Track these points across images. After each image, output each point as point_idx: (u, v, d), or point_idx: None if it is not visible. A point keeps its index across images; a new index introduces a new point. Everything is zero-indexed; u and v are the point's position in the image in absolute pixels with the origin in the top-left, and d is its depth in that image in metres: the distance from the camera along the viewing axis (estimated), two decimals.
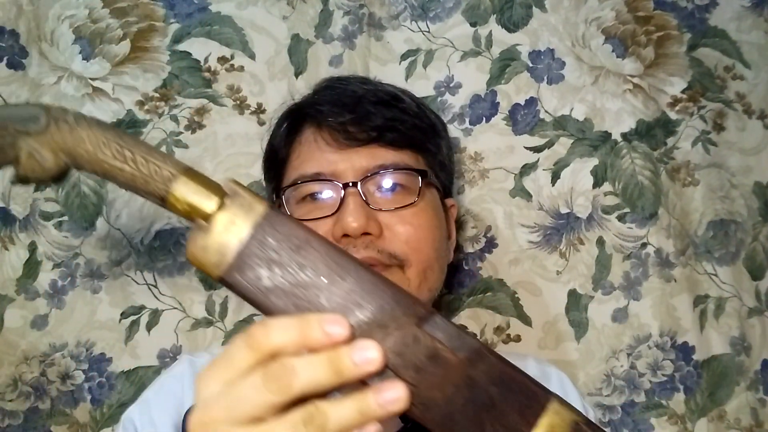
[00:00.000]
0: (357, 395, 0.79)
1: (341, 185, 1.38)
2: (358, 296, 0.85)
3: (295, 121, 1.53)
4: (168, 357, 1.74)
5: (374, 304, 0.85)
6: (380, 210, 1.39)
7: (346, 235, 1.33)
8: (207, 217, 0.86)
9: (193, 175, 0.89)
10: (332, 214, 1.37)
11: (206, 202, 0.87)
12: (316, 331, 0.79)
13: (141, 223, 1.77)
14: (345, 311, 0.84)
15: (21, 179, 0.90)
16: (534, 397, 0.86)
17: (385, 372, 0.82)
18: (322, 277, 0.85)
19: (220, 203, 0.86)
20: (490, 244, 1.85)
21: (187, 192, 0.87)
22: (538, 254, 1.85)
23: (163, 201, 0.89)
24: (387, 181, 1.41)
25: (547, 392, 0.87)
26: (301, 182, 1.43)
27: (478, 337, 1.80)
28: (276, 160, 1.55)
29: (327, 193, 1.40)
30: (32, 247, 1.74)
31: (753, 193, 1.96)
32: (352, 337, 0.80)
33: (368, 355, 0.79)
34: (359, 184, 1.38)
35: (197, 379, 0.83)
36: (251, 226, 0.85)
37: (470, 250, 1.86)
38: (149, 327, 1.74)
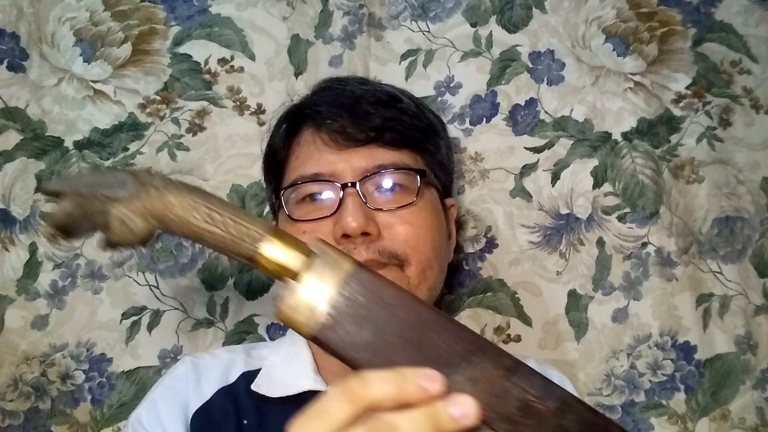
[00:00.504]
0: (427, 407, 0.80)
1: (340, 185, 1.38)
2: (447, 351, 0.86)
3: (294, 122, 1.54)
4: (169, 357, 1.75)
5: (464, 358, 0.86)
6: (379, 210, 1.39)
7: (345, 236, 1.33)
8: (295, 276, 0.87)
9: (281, 234, 0.91)
10: (331, 214, 1.37)
11: (295, 262, 0.88)
12: (413, 385, 0.79)
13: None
14: (436, 366, 0.84)
15: (111, 245, 0.93)
16: None
17: (481, 427, 0.82)
18: (411, 333, 0.87)
19: (308, 262, 0.88)
20: (491, 245, 1.85)
21: (276, 252, 0.89)
22: (539, 254, 1.85)
23: (252, 261, 0.90)
24: (386, 181, 1.41)
25: None
26: (301, 183, 1.43)
27: None
28: (275, 161, 1.55)
29: (326, 194, 1.41)
30: (33, 248, 1.74)
31: (761, 189, 1.95)
32: (447, 392, 0.80)
33: (465, 409, 0.80)
34: (358, 184, 1.38)
35: (289, 428, 0.83)
36: (340, 284, 0.86)
37: (470, 250, 1.85)
38: (150, 327, 1.75)
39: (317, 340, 0.86)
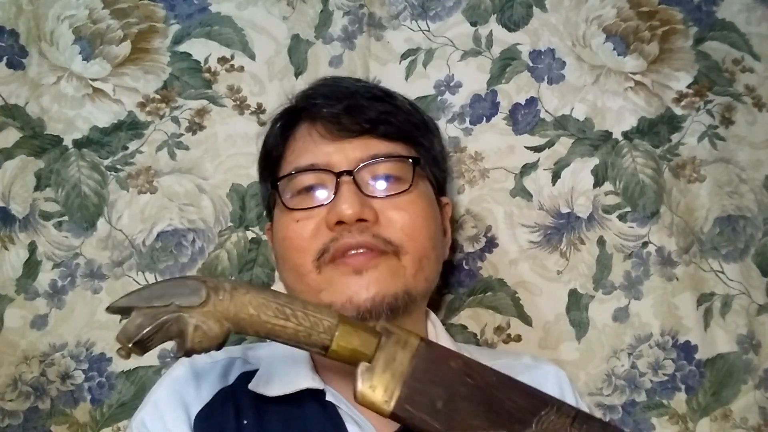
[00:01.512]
0: None
1: (335, 174, 1.38)
2: (516, 409, 0.92)
3: (290, 119, 1.54)
4: (169, 357, 1.74)
5: (532, 413, 0.91)
6: (375, 197, 1.39)
7: (340, 222, 1.34)
8: (370, 359, 0.92)
9: (349, 321, 0.96)
10: (327, 203, 1.38)
11: (367, 345, 0.93)
12: None
13: (143, 224, 1.78)
14: (508, 423, 0.90)
15: (187, 352, 0.94)
16: None
17: None
18: (481, 396, 0.92)
19: (378, 343, 0.92)
20: (491, 244, 1.85)
21: (349, 339, 0.93)
22: (539, 254, 1.85)
23: (326, 349, 0.94)
24: (381, 170, 1.42)
25: None
26: (296, 173, 1.43)
27: (478, 337, 1.81)
28: (271, 158, 1.55)
29: (322, 186, 1.41)
30: (32, 247, 1.74)
31: (764, 188, 1.95)
32: None
33: None
34: (353, 172, 1.38)
35: None
36: (409, 360, 0.92)
37: (470, 249, 1.85)
38: None
39: (396, 416, 0.91)
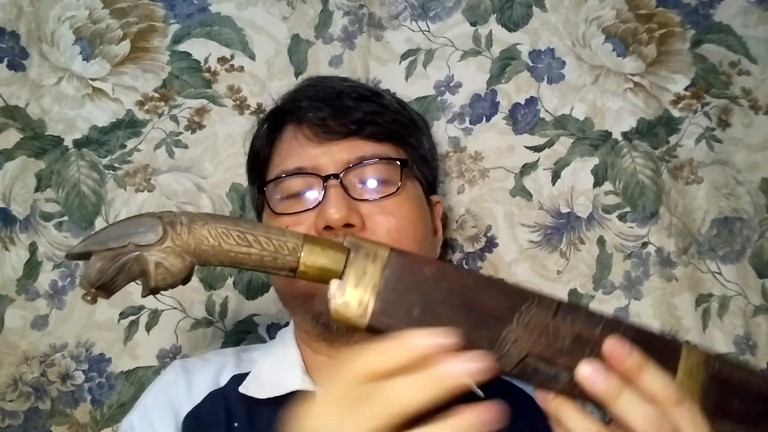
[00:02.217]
0: (431, 369, 0.83)
1: (322, 178, 1.38)
2: (495, 307, 0.91)
3: (276, 120, 1.54)
4: (168, 357, 1.74)
5: (512, 310, 0.90)
6: (362, 201, 1.38)
7: (328, 227, 1.33)
8: (339, 275, 0.90)
9: (315, 239, 0.93)
10: (314, 207, 1.37)
11: (336, 262, 0.91)
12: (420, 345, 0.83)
13: None
14: (490, 323, 0.89)
15: (153, 290, 0.93)
16: (668, 348, 0.93)
17: (543, 365, 0.90)
18: (458, 299, 0.90)
19: (347, 258, 0.91)
20: (491, 244, 1.85)
21: (315, 257, 0.91)
22: (539, 254, 1.85)
23: (293, 271, 0.92)
24: (368, 173, 1.41)
25: (676, 341, 0.95)
26: (284, 177, 1.42)
27: None
28: (258, 160, 1.55)
29: (309, 189, 1.40)
30: (32, 248, 1.74)
31: (760, 190, 1.95)
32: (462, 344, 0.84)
33: (474, 363, 0.83)
34: (340, 176, 1.38)
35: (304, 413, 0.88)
36: (381, 271, 0.90)
37: (470, 249, 1.85)
38: (149, 327, 1.74)
39: (374, 328, 0.89)
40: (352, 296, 0.88)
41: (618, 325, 0.91)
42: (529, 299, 0.90)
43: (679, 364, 0.92)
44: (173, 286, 0.93)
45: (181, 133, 1.82)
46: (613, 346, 0.88)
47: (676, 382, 0.90)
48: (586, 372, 0.87)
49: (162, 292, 0.94)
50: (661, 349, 0.91)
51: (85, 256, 0.91)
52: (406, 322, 0.88)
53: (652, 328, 0.93)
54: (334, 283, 0.89)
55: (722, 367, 0.95)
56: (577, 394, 0.89)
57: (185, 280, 0.93)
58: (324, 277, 0.90)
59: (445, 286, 0.90)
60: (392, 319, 0.88)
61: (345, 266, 0.90)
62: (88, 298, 0.91)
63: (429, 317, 0.88)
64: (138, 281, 0.93)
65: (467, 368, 0.81)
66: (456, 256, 1.85)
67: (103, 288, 0.91)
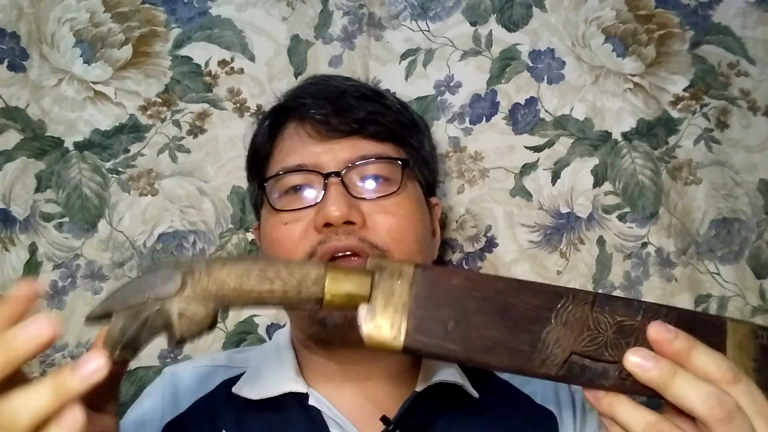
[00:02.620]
0: (52, 375, 0.80)
1: (323, 175, 1.38)
2: (531, 309, 0.90)
3: (278, 117, 1.54)
4: (169, 357, 1.75)
5: (548, 309, 0.90)
6: (363, 199, 1.38)
7: (328, 224, 1.33)
8: (367, 299, 0.89)
9: (336, 267, 0.92)
10: (314, 204, 1.37)
11: (361, 286, 0.90)
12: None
13: (143, 225, 1.78)
14: (527, 325, 0.89)
15: (179, 341, 0.91)
16: (713, 325, 0.92)
17: (584, 358, 0.89)
18: (492, 306, 0.90)
19: (372, 281, 0.90)
20: (491, 244, 1.85)
21: (340, 284, 0.90)
22: (539, 254, 1.86)
23: (320, 302, 0.91)
24: (369, 172, 1.41)
25: (719, 317, 0.94)
26: (284, 173, 1.43)
27: None
28: (259, 157, 1.55)
29: (310, 186, 1.41)
30: (32, 248, 1.74)
31: (758, 191, 1.96)
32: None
33: (91, 366, 0.81)
34: (341, 174, 1.38)
35: None
36: (409, 288, 0.89)
37: (470, 249, 1.85)
38: None
39: (410, 349, 0.88)
40: (383, 319, 0.88)
41: (659, 309, 0.90)
42: (563, 296, 0.90)
43: (727, 341, 0.91)
44: (199, 334, 0.90)
45: (184, 137, 1.82)
46: (657, 330, 0.88)
47: (729, 359, 0.88)
48: (636, 360, 0.87)
49: (188, 341, 0.92)
50: (707, 328, 0.91)
51: (105, 316, 0.89)
52: (443, 336, 0.88)
53: (692, 310, 0.92)
54: (363, 308, 0.89)
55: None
56: (629, 387, 0.88)
57: (211, 327, 0.90)
58: (352, 303, 0.90)
59: (476, 295, 0.89)
60: (427, 337, 0.88)
61: (371, 289, 0.89)
62: (114, 358, 0.87)
63: (465, 329, 0.88)
64: (165, 334, 0.91)
65: (85, 373, 0.80)
66: (456, 256, 1.85)
67: (128, 347, 0.88)
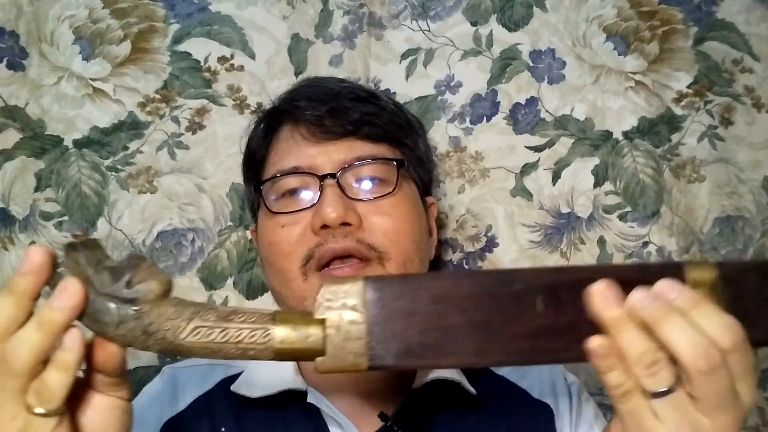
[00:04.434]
0: (35, 314, 0.83)
1: (319, 177, 1.38)
2: (480, 301, 0.89)
3: (273, 120, 1.54)
4: (168, 357, 1.73)
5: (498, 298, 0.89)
6: (359, 200, 1.39)
7: (325, 226, 1.33)
8: (322, 348, 0.87)
9: (283, 318, 0.89)
10: (311, 206, 1.38)
11: (313, 338, 0.87)
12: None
13: (143, 223, 1.78)
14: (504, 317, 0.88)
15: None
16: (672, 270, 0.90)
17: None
18: (443, 305, 0.88)
19: (320, 323, 0.88)
20: (491, 244, 1.85)
21: (291, 344, 0.88)
22: (539, 254, 1.86)
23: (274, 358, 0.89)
24: (364, 173, 1.42)
25: (678, 261, 0.93)
26: (280, 176, 1.43)
27: None
28: (254, 160, 1.55)
29: (306, 188, 1.41)
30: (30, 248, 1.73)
31: (762, 188, 1.96)
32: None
33: (67, 297, 0.82)
34: (337, 175, 1.38)
35: None
36: (363, 310, 0.88)
37: (471, 249, 1.85)
38: None
39: (376, 367, 0.87)
40: (338, 349, 0.86)
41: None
42: (516, 279, 0.89)
43: (694, 281, 0.89)
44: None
45: (182, 134, 1.81)
46: (663, 285, 0.86)
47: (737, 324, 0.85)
48: (638, 296, 0.84)
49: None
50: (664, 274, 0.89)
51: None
52: (408, 352, 0.86)
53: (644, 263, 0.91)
54: (318, 361, 0.88)
55: (732, 273, 0.92)
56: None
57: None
58: (307, 354, 0.88)
59: (424, 291, 0.88)
60: (392, 355, 0.86)
61: (324, 332, 0.87)
62: None
63: (434, 338, 0.87)
64: None
65: (60, 303, 0.81)
66: (456, 256, 1.85)
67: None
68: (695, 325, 0.83)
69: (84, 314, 0.83)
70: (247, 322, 0.87)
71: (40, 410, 0.82)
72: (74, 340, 0.81)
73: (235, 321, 0.87)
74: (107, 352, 0.85)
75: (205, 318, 0.86)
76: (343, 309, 0.88)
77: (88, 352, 0.85)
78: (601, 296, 0.85)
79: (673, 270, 0.90)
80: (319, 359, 0.87)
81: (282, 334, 0.87)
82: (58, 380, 0.81)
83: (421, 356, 0.87)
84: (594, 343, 0.85)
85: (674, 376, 0.83)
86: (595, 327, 0.86)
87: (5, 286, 0.82)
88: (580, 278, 0.88)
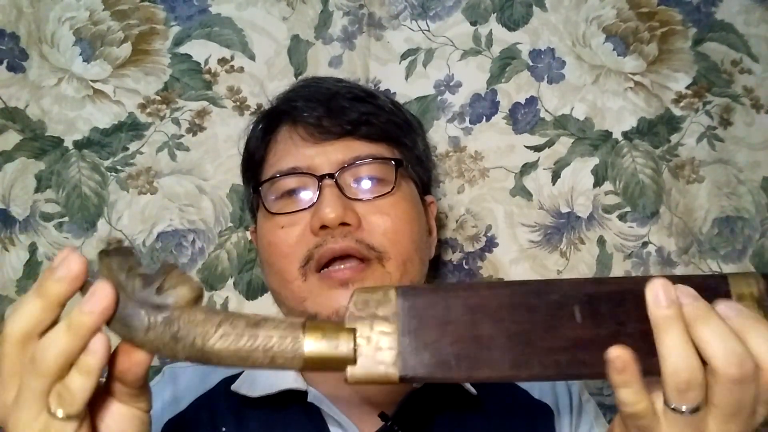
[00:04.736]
0: (66, 317, 0.82)
1: (317, 177, 1.38)
2: (516, 312, 0.87)
3: (271, 121, 1.54)
4: (169, 357, 1.73)
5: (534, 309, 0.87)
6: (358, 200, 1.39)
7: (324, 227, 1.33)
8: (353, 359, 0.85)
9: (313, 327, 0.86)
10: (310, 206, 1.38)
11: (342, 346, 0.85)
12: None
13: (143, 224, 1.78)
14: (531, 330, 0.86)
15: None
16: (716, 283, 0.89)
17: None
18: (478, 315, 0.87)
19: (354, 337, 0.86)
20: (491, 244, 1.85)
21: (320, 350, 0.85)
22: (539, 253, 1.86)
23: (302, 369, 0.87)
24: (363, 172, 1.42)
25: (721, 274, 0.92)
26: (279, 177, 1.43)
27: None
28: (253, 161, 1.55)
29: (304, 189, 1.41)
30: (32, 248, 1.74)
31: (761, 189, 1.96)
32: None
33: (97, 300, 0.81)
34: (335, 175, 1.38)
35: None
36: (394, 320, 0.86)
37: (470, 249, 1.85)
38: None
39: (408, 379, 0.85)
40: (369, 361, 0.84)
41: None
42: (546, 289, 0.88)
43: (739, 294, 0.88)
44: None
45: (183, 135, 1.82)
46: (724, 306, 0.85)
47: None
48: (685, 291, 0.83)
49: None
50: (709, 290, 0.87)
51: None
52: (438, 358, 0.84)
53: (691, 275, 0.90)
54: (348, 372, 0.84)
55: None
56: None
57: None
58: (336, 365, 0.85)
59: (457, 301, 0.86)
60: (424, 364, 0.84)
61: (354, 341, 0.85)
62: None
63: (467, 350, 0.85)
64: None
65: (91, 307, 0.80)
66: (456, 256, 1.85)
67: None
68: (737, 332, 0.82)
69: (114, 319, 0.82)
70: (277, 329, 0.85)
71: (60, 413, 0.81)
72: (100, 345, 0.81)
73: (264, 328, 0.85)
74: (131, 361, 0.84)
75: (234, 324, 0.84)
76: (374, 319, 0.86)
77: (112, 360, 0.85)
78: (655, 294, 0.84)
79: (717, 281, 0.89)
80: (349, 369, 0.84)
81: (312, 342, 0.85)
82: (80, 384, 0.81)
83: (455, 368, 0.85)
84: (613, 353, 0.83)
85: (703, 396, 0.83)
86: (638, 340, 0.84)
87: (37, 285, 0.82)
88: (620, 289, 0.87)
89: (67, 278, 0.81)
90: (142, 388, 0.89)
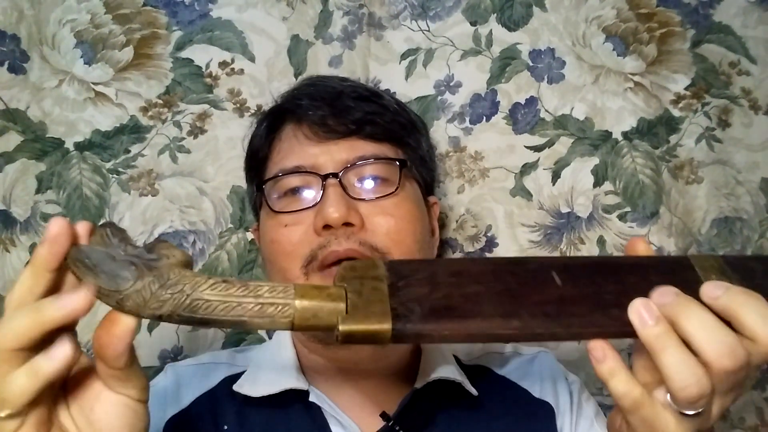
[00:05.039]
0: (35, 302, 0.82)
1: (321, 177, 1.38)
2: (498, 276, 0.90)
3: (275, 119, 1.54)
4: (169, 358, 1.74)
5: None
6: (361, 200, 1.38)
7: (327, 227, 1.32)
8: (344, 313, 0.85)
9: (305, 292, 0.86)
10: (313, 206, 1.37)
11: (334, 306, 0.85)
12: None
13: (144, 225, 1.78)
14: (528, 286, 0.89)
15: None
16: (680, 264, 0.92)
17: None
18: (463, 278, 0.89)
19: (346, 296, 0.86)
20: (491, 244, 1.86)
21: (312, 310, 0.85)
22: (539, 253, 1.86)
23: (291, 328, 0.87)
24: (367, 172, 1.41)
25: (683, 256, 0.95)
26: (282, 175, 1.42)
27: None
28: (257, 159, 1.54)
29: (308, 188, 1.40)
30: (33, 249, 1.73)
31: (760, 190, 1.97)
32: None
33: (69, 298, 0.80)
34: (339, 175, 1.38)
35: None
36: (383, 280, 0.88)
37: (470, 249, 1.86)
38: (150, 328, 1.75)
39: (400, 338, 0.85)
40: (362, 324, 0.84)
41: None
42: (517, 264, 0.91)
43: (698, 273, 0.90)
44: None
45: (184, 138, 1.82)
46: (709, 288, 0.86)
47: None
48: (661, 291, 0.84)
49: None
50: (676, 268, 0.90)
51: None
52: (422, 316, 0.84)
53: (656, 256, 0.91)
54: (340, 318, 0.84)
55: (734, 262, 0.93)
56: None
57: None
58: (327, 323, 0.85)
59: (461, 273, 0.89)
60: (413, 322, 0.84)
61: (346, 301, 0.85)
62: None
63: (460, 302, 0.86)
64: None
65: (63, 304, 0.80)
66: (456, 256, 1.85)
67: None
68: (728, 310, 0.83)
69: (102, 272, 0.82)
70: (269, 286, 0.85)
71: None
72: (61, 353, 0.80)
73: (256, 283, 0.85)
74: (111, 333, 0.83)
75: (225, 280, 0.85)
76: (364, 278, 0.87)
77: (95, 338, 0.84)
78: (638, 314, 0.84)
79: (680, 259, 0.92)
80: (341, 325, 0.84)
81: (303, 294, 0.85)
82: (23, 384, 0.79)
83: (447, 317, 0.85)
84: (591, 343, 0.84)
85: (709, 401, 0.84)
86: (620, 296, 0.86)
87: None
88: (593, 262, 0.92)
89: (47, 239, 0.81)
90: (128, 372, 0.87)
